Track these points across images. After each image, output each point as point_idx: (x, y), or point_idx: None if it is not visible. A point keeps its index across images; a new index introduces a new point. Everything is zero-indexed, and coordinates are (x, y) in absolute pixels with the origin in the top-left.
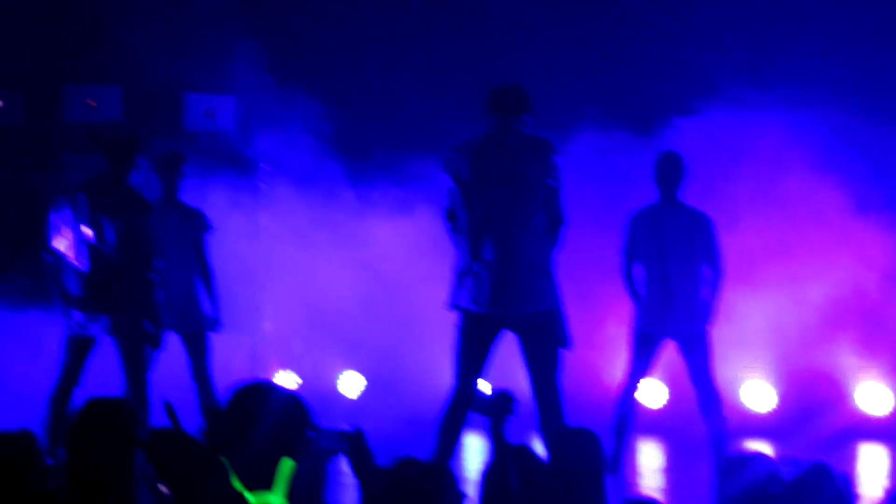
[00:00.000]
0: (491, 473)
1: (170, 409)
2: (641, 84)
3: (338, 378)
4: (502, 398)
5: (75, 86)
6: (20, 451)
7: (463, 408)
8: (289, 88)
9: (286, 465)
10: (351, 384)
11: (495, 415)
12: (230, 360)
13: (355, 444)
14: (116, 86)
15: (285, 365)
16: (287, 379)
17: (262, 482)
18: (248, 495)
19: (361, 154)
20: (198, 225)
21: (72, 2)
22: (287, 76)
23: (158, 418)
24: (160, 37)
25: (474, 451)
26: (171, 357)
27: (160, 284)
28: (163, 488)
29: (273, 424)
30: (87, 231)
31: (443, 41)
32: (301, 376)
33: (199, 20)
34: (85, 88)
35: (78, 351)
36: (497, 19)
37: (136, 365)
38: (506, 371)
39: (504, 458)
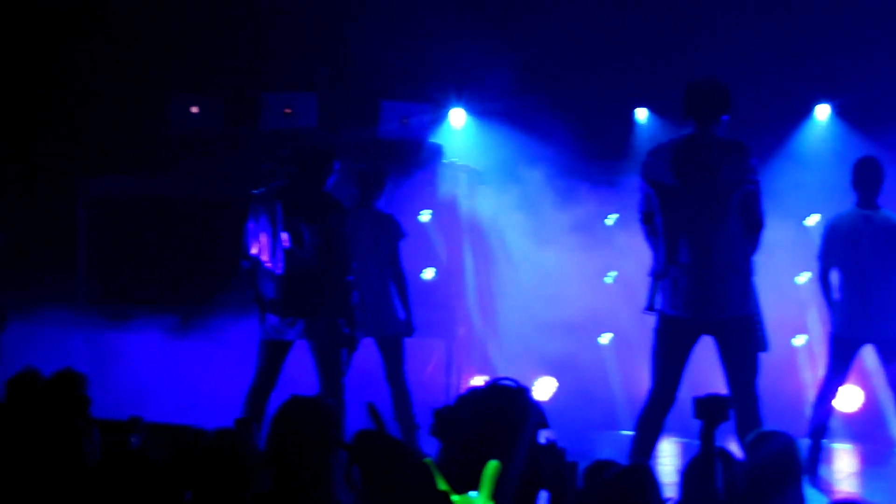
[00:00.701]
0: (694, 476)
1: (374, 411)
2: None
3: (532, 382)
4: (719, 402)
5: (273, 94)
6: (237, 447)
7: (661, 411)
8: (488, 93)
9: (492, 467)
10: (544, 388)
11: (709, 418)
12: (425, 365)
13: (551, 454)
14: (313, 94)
15: (480, 370)
16: (480, 383)
17: (468, 484)
18: (454, 497)
19: (558, 159)
20: (392, 231)
21: (270, 11)
22: (487, 82)
23: (355, 421)
24: (356, 45)
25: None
26: (367, 361)
27: (356, 288)
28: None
29: (507, 427)
30: (284, 236)
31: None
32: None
33: (396, 28)
34: (282, 96)
35: (274, 355)
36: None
37: (333, 368)
38: (703, 373)
39: (711, 462)
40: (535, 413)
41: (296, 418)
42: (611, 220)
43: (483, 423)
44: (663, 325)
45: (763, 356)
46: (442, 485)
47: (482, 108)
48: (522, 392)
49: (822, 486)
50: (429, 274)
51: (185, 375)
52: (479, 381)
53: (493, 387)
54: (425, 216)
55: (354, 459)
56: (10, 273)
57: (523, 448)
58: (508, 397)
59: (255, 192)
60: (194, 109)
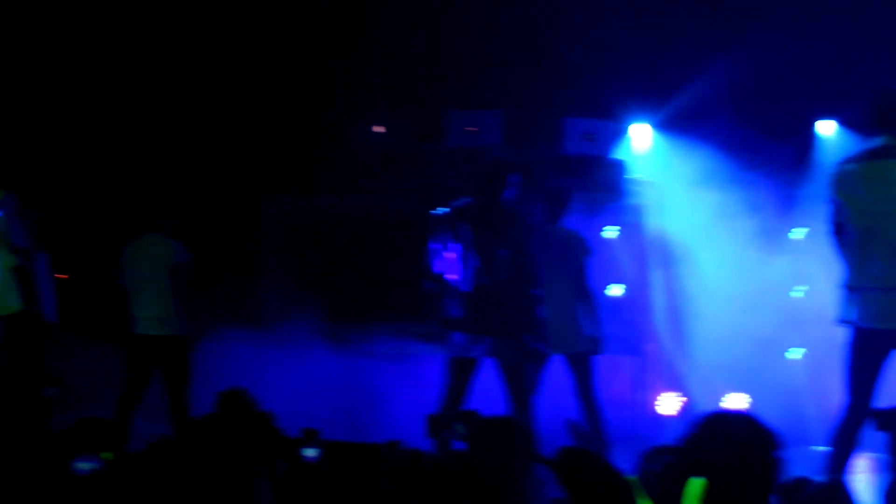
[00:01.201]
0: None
1: (576, 429)
2: None
3: (722, 399)
4: None
5: (458, 111)
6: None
7: (856, 425)
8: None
9: (695, 485)
10: (737, 404)
11: (893, 431)
12: (613, 382)
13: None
14: (498, 111)
15: (669, 386)
16: (671, 400)
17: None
18: None
19: (742, 173)
20: (578, 248)
21: (455, 30)
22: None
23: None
24: (540, 63)
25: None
26: (556, 378)
27: (542, 304)
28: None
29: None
30: (469, 254)
31: None
32: (686, 396)
33: (579, 45)
34: (467, 114)
35: (461, 372)
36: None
37: (520, 385)
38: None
39: None
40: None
41: (492, 437)
42: (799, 233)
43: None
44: (857, 338)
45: None
46: (644, 502)
47: (665, 123)
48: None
49: None
50: (616, 291)
51: (362, 393)
52: (671, 398)
53: (739, 415)
54: (611, 233)
55: (558, 476)
56: (197, 290)
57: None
58: (753, 425)
59: (438, 211)
60: (378, 129)
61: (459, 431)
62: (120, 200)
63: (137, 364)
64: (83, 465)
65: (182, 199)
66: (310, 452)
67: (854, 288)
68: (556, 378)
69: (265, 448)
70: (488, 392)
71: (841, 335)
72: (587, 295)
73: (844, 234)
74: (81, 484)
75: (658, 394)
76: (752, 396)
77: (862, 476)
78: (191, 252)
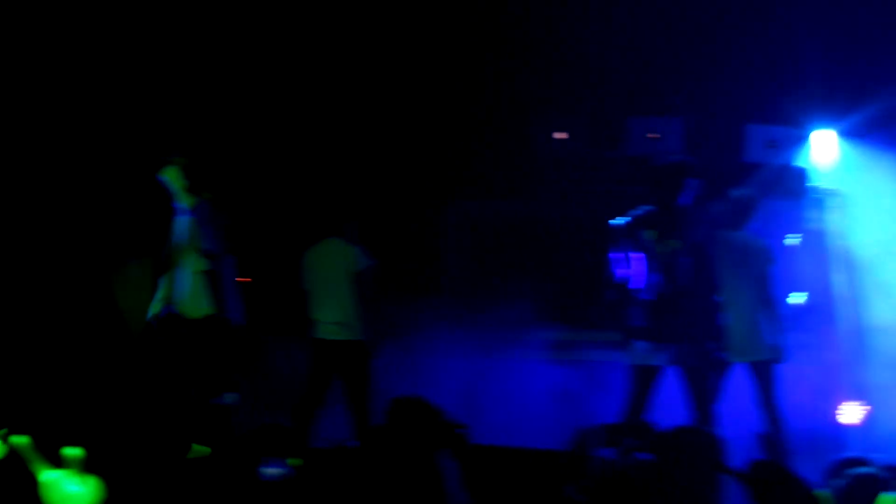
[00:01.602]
0: None
1: (769, 442)
2: None
3: None
4: None
5: (638, 118)
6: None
7: None
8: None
9: (886, 501)
10: None
11: None
12: (794, 390)
13: None
14: (678, 118)
15: (850, 396)
16: (853, 409)
17: None
18: None
19: None
20: (762, 256)
21: (634, 37)
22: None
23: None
24: (721, 69)
25: None
26: (737, 386)
27: (724, 311)
28: None
29: None
30: (651, 262)
31: None
32: (870, 405)
33: (759, 51)
34: (647, 121)
35: (644, 380)
36: None
37: (703, 393)
38: None
39: None
40: None
41: (681, 448)
42: None
43: None
44: None
45: None
46: None
47: (850, 130)
48: None
49: None
50: (798, 299)
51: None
52: (853, 408)
53: None
54: (793, 240)
55: (750, 489)
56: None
57: None
58: None
59: (618, 220)
60: (560, 135)
61: (640, 442)
62: (304, 205)
63: (318, 368)
64: (271, 471)
65: (365, 205)
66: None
67: None
68: (738, 386)
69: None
70: (671, 400)
71: None
72: (770, 303)
73: None
74: (268, 489)
75: (840, 403)
76: None
77: None
78: (373, 258)
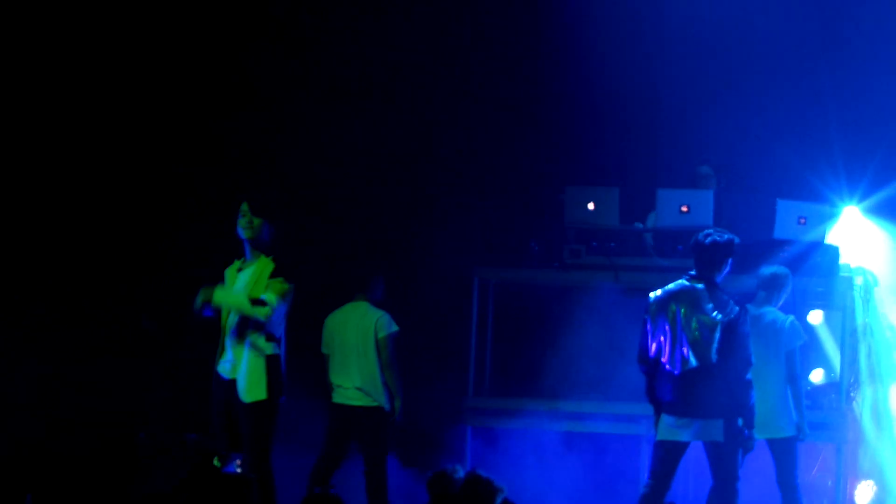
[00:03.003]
0: None
1: None
2: None
3: None
4: None
5: (669, 190)
6: None
7: None
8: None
9: None
10: None
11: None
12: (811, 468)
13: None
14: (709, 191)
15: (868, 475)
16: (866, 488)
17: None
18: None
19: None
20: (791, 334)
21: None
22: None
23: None
24: (750, 143)
25: None
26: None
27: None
28: None
29: None
30: (681, 336)
31: None
32: (879, 486)
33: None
34: (678, 193)
35: (669, 456)
36: None
37: (728, 470)
38: None
39: None
40: None
41: None
42: None
43: None
44: None
45: None
46: None
47: (877, 207)
48: None
49: None
50: (817, 376)
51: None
52: (866, 487)
53: None
54: (816, 317)
55: None
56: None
57: None
58: None
59: (652, 294)
60: (590, 206)
61: None
62: (327, 268)
63: (335, 433)
64: None
65: (391, 269)
66: None
67: None
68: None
69: None
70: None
71: None
72: (795, 380)
73: None
74: None
75: (857, 482)
76: None
77: None
78: (398, 323)
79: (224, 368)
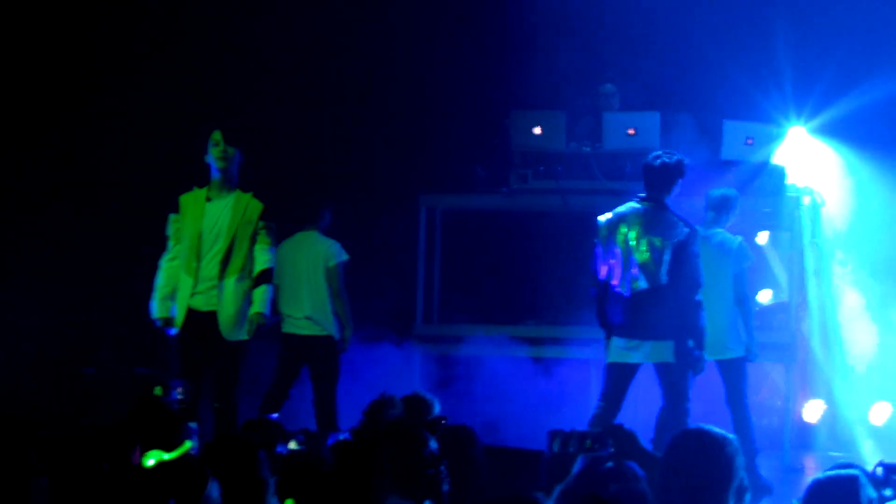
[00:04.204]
0: None
1: None
2: None
3: (869, 409)
4: None
5: (614, 114)
6: None
7: None
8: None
9: None
10: (880, 414)
11: None
12: (760, 389)
13: None
14: (656, 113)
15: (817, 395)
16: (815, 407)
17: None
18: None
19: None
20: (738, 255)
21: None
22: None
23: None
24: (697, 64)
25: None
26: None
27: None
28: None
29: None
30: (630, 259)
31: None
32: (829, 405)
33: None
34: (624, 115)
35: (620, 378)
36: None
37: (679, 391)
38: None
39: None
40: None
41: (690, 452)
42: None
43: None
44: None
45: None
46: None
47: (824, 127)
48: None
49: None
50: (765, 297)
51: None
52: (816, 406)
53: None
54: (762, 238)
55: None
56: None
57: None
58: None
59: (601, 217)
60: (536, 130)
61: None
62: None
63: (285, 362)
64: None
65: (338, 197)
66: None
67: None
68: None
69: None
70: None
71: None
72: (743, 301)
73: None
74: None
75: (805, 401)
76: None
77: None
78: (347, 252)
79: (196, 302)
